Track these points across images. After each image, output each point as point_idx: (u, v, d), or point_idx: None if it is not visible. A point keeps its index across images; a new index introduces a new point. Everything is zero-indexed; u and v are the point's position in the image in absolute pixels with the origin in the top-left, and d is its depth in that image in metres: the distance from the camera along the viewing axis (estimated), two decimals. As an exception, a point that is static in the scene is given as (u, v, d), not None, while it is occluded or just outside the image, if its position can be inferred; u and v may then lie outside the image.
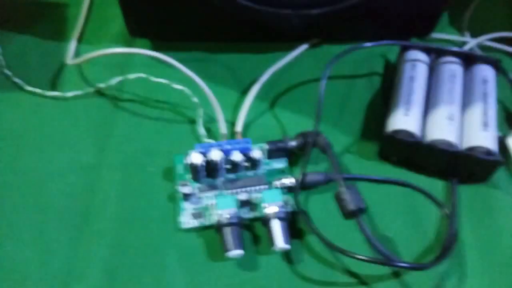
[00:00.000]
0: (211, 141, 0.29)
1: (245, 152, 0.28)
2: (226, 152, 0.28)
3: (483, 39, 0.36)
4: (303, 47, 0.35)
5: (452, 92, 0.30)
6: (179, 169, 0.28)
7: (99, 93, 0.32)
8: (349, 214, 0.24)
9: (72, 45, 0.35)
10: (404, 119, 0.29)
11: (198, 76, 0.30)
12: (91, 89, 0.32)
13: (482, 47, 0.36)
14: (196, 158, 0.27)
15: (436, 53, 0.33)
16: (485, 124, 0.29)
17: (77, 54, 0.34)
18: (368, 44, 0.31)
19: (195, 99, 0.30)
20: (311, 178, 0.28)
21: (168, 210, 0.27)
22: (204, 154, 0.27)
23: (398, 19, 0.34)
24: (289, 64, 0.34)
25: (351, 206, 0.23)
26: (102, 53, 0.30)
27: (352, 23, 0.34)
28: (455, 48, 0.33)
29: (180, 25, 0.34)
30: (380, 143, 0.30)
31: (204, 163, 0.27)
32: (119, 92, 0.32)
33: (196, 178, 0.28)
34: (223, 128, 0.30)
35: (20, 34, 0.36)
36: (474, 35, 0.37)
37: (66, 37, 0.35)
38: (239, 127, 0.30)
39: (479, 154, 0.28)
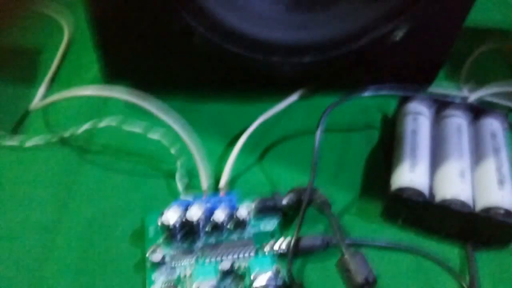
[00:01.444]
0: (190, 197, 0.25)
1: (229, 211, 0.24)
2: (207, 211, 0.23)
3: (483, 93, 0.34)
4: (294, 96, 0.32)
5: (460, 146, 0.27)
6: (151, 231, 0.24)
7: (64, 142, 0.28)
8: (356, 288, 0.19)
9: (40, 91, 0.31)
10: (410, 176, 0.26)
11: (178, 124, 0.27)
12: (54, 138, 0.28)
13: (481, 102, 0.34)
14: (170, 216, 0.22)
15: (438, 105, 0.30)
16: (501, 182, 0.25)
17: (44, 104, 0.31)
18: (366, 93, 0.28)
19: (173, 150, 0.27)
20: (307, 242, 0.24)
21: (135, 284, 0.22)
22: (180, 212, 0.23)
23: (396, 69, 0.32)
24: (279, 114, 0.31)
25: (359, 278, 0.19)
26: (69, 94, 0.27)
27: (346, 72, 0.31)
28: (459, 100, 0.30)
29: (161, 71, 0.31)
30: (384, 202, 0.26)
31: (179, 223, 0.22)
32: (87, 142, 0.29)
33: (170, 242, 0.23)
34: (204, 182, 0.26)
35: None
36: (472, 89, 0.35)
37: (35, 83, 0.32)
38: (223, 182, 0.26)
39: (496, 216, 0.24)
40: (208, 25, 0.26)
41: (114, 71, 0.31)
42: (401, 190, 0.25)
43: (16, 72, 0.33)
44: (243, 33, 0.27)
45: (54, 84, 0.32)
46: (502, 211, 0.24)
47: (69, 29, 0.36)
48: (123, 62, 0.30)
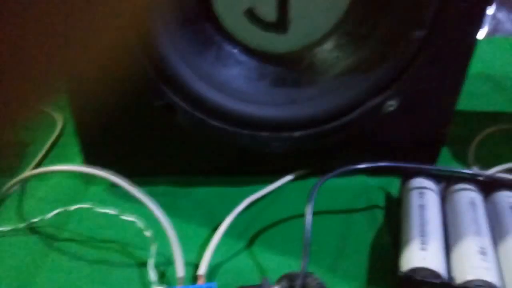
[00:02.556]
0: (163, 287, 0.21)
1: (206, 301, 0.20)
2: (180, 301, 0.20)
3: (496, 170, 0.32)
4: (287, 178, 0.30)
5: (477, 221, 0.24)
6: (112, 328, 0.20)
7: (32, 229, 0.26)
8: None
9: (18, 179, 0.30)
10: (422, 254, 0.22)
11: (154, 206, 0.24)
12: (22, 225, 0.26)
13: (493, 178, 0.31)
14: (132, 307, 0.19)
15: (446, 181, 0.28)
16: (532, 259, 0.21)
17: (22, 189, 0.29)
18: (362, 166, 0.26)
19: (148, 233, 0.24)
20: None
21: None
22: (145, 301, 0.19)
23: (396, 146, 0.30)
24: (270, 198, 0.29)
25: None
26: (39, 171, 0.25)
27: (342, 150, 0.29)
28: (470, 172, 0.27)
29: (144, 155, 0.29)
30: (395, 288, 0.22)
31: (142, 314, 0.19)
32: (57, 228, 0.26)
33: None
34: (180, 270, 0.22)
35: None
36: (481, 168, 0.32)
37: (16, 173, 0.31)
38: (202, 269, 0.22)
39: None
40: (190, 101, 0.26)
41: (97, 158, 0.30)
42: (413, 271, 0.21)
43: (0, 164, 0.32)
44: (227, 108, 0.26)
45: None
46: (540, 294, 0.20)
47: (61, 123, 0.36)
48: (105, 147, 0.29)
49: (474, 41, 0.26)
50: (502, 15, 0.89)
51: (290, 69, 0.27)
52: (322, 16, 0.26)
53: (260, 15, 0.26)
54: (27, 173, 0.26)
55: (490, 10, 0.88)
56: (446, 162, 0.33)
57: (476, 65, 0.52)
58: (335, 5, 0.26)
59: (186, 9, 0.25)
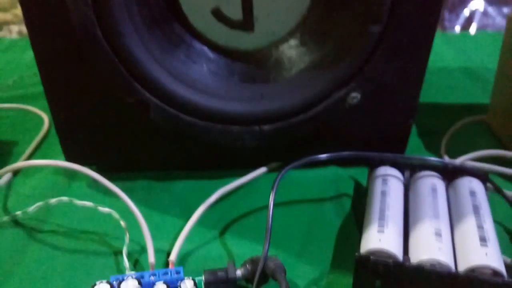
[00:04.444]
0: (133, 272, 0.23)
1: (172, 285, 0.21)
2: (147, 285, 0.21)
3: (464, 159, 0.33)
4: (261, 170, 0.31)
5: (436, 205, 0.25)
6: (86, 311, 0.21)
7: (15, 222, 0.27)
8: None
9: (5, 177, 0.31)
10: (378, 237, 0.23)
11: (132, 200, 0.25)
12: (5, 218, 0.27)
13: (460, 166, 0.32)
14: (100, 289, 0.20)
15: (412, 169, 0.29)
16: (483, 239, 0.22)
17: (8, 186, 0.31)
18: (324, 156, 0.27)
19: (123, 224, 0.25)
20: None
21: None
22: (115, 286, 0.20)
23: (365, 136, 0.31)
24: (245, 189, 0.30)
25: None
26: (22, 165, 0.26)
27: (310, 142, 0.31)
28: (434, 160, 0.28)
29: (124, 154, 0.31)
30: (353, 270, 0.23)
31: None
32: (39, 221, 0.27)
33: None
34: (151, 256, 0.23)
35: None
36: (452, 157, 0.33)
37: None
38: (173, 255, 0.24)
39: (482, 276, 0.21)
40: (162, 97, 0.27)
41: (78, 156, 0.31)
42: (369, 252, 0.22)
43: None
44: (198, 104, 0.27)
45: (21, 172, 0.32)
46: (488, 271, 0.21)
47: (47, 122, 0.38)
48: (85, 145, 0.30)
49: (432, 33, 0.27)
50: (492, 10, 0.89)
51: (258, 65, 0.28)
52: (285, 14, 0.27)
53: (227, 14, 0.27)
54: (8, 167, 0.27)
55: (480, 5, 0.89)
56: (419, 152, 0.35)
57: (458, 59, 0.53)
58: (297, 3, 0.27)
59: (154, 9, 0.26)
